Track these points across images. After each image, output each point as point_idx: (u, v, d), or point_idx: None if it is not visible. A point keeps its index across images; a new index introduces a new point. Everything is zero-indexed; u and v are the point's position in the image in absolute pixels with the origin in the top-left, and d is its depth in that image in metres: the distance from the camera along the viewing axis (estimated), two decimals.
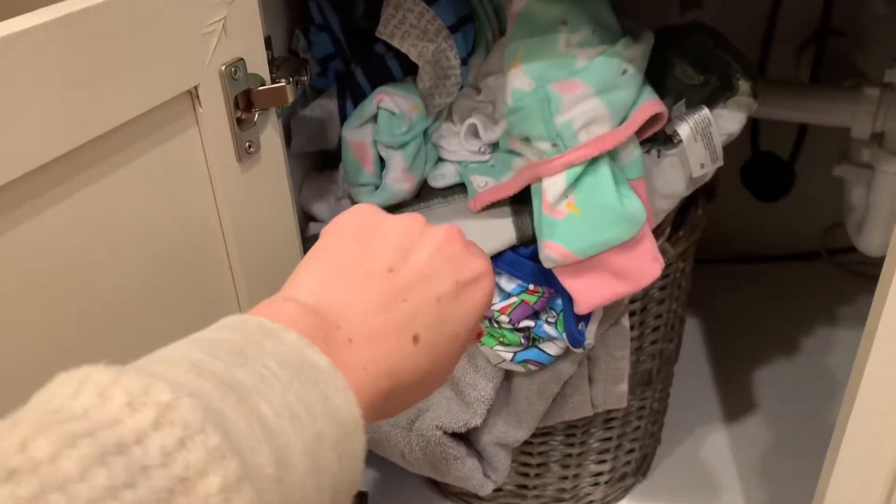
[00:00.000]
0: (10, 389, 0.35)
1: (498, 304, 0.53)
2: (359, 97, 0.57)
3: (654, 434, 0.76)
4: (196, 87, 0.43)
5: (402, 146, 0.55)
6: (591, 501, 0.73)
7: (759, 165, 0.93)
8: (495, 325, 0.53)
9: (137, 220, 0.42)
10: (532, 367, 0.55)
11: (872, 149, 0.70)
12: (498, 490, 0.72)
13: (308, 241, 0.58)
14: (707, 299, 0.99)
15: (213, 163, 0.45)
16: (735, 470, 0.78)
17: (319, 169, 0.63)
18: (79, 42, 0.35)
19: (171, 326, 0.45)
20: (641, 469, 0.76)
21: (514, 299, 0.53)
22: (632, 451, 0.72)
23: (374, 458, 0.80)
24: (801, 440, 0.79)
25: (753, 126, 0.92)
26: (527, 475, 0.70)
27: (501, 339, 0.54)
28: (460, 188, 0.57)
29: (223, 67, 0.44)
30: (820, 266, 1.02)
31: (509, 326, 0.53)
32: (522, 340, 0.54)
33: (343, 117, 0.57)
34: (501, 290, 0.54)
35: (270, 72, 0.47)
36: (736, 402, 0.85)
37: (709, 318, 0.97)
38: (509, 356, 0.54)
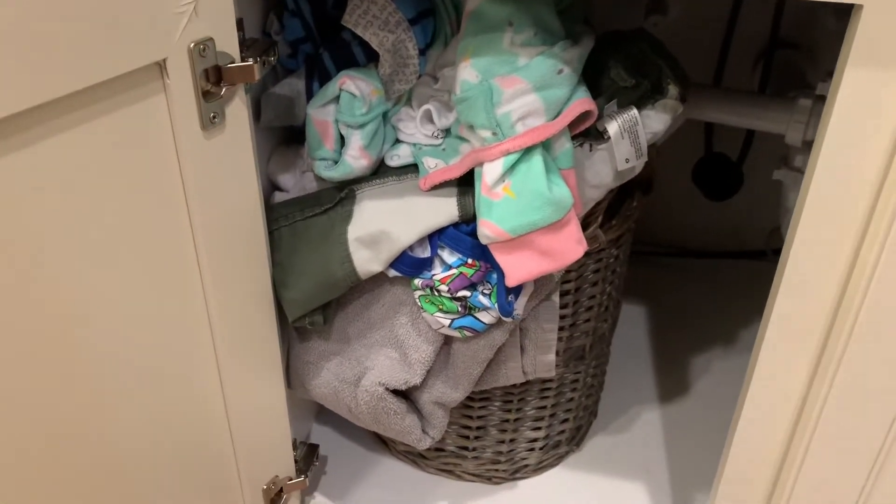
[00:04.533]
0: None
1: (439, 274, 0.58)
2: (325, 79, 0.62)
3: (588, 408, 0.82)
4: (164, 60, 0.47)
5: (360, 126, 0.60)
6: (526, 465, 0.79)
7: (710, 165, 0.98)
8: (436, 293, 0.59)
9: (100, 179, 0.47)
10: (468, 334, 0.60)
11: (804, 155, 0.76)
12: (440, 450, 0.78)
13: (271, 210, 0.63)
14: (654, 291, 1.06)
15: (178, 130, 0.50)
16: (664, 450, 0.84)
17: (287, 143, 0.68)
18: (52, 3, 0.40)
19: (128, 283, 0.50)
20: (575, 440, 0.82)
21: (453, 271, 0.58)
22: (566, 420, 0.78)
23: (325, 414, 0.86)
24: (727, 427, 0.85)
25: (707, 129, 0.97)
26: (467, 437, 0.76)
27: (441, 307, 0.59)
28: (413, 168, 0.62)
29: (192, 45, 0.48)
30: (764, 265, 1.08)
31: (448, 295, 0.59)
32: (459, 309, 0.59)
33: (309, 96, 0.62)
34: (443, 261, 0.59)
35: (241, 51, 0.52)
36: (671, 387, 0.91)
37: (654, 308, 1.03)
38: (447, 322, 0.60)
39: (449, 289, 0.58)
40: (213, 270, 0.55)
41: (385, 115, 0.62)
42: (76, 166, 0.45)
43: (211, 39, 0.49)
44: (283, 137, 0.69)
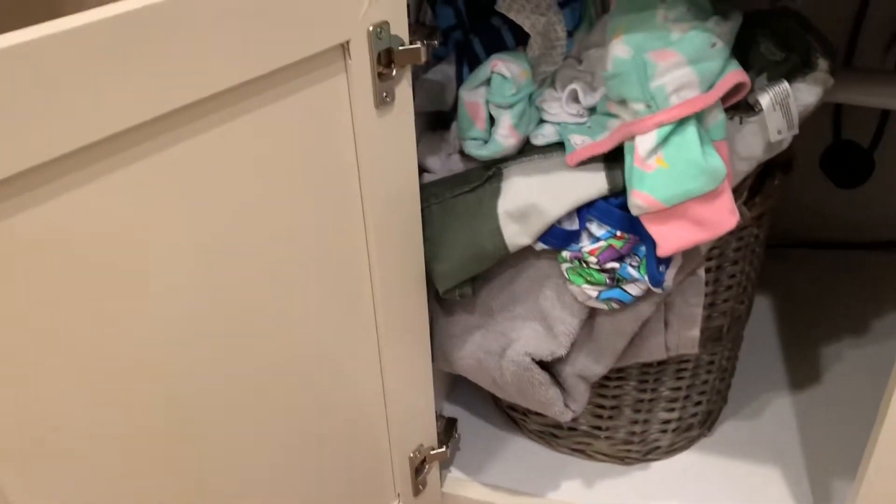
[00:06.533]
0: None
1: (588, 246, 0.60)
2: (474, 63, 0.65)
3: (720, 392, 0.82)
4: (348, 42, 0.52)
5: (510, 106, 0.63)
6: (658, 447, 0.80)
7: (839, 153, 0.97)
8: (584, 265, 0.61)
9: (286, 154, 0.51)
10: (614, 306, 0.62)
11: None
12: (573, 429, 0.79)
13: (422, 189, 0.67)
14: (783, 281, 1.04)
15: (357, 107, 0.54)
16: (798, 438, 0.82)
17: (433, 128, 0.72)
18: None
19: (300, 261, 0.54)
20: (707, 423, 0.82)
21: (602, 243, 0.60)
22: (699, 403, 0.79)
23: (455, 393, 0.89)
24: (864, 416, 0.83)
25: (836, 115, 0.96)
26: (600, 416, 0.77)
27: (589, 279, 0.61)
28: (558, 146, 0.64)
29: (371, 27, 0.53)
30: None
31: (597, 267, 0.60)
32: (608, 280, 0.61)
33: (459, 81, 0.66)
34: (591, 234, 0.61)
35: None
36: (802, 377, 0.90)
37: (784, 299, 1.02)
38: (595, 294, 0.61)
39: (598, 260, 0.60)
40: (379, 246, 0.59)
41: (530, 97, 0.65)
42: (260, 147, 0.49)
43: (387, 23, 0.53)
44: (429, 123, 0.73)
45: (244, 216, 0.49)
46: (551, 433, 0.81)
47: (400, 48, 0.55)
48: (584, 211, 0.61)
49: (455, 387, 0.90)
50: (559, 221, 0.61)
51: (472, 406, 0.88)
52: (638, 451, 0.80)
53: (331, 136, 0.54)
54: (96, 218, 0.41)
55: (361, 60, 0.53)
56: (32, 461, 0.41)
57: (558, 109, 0.64)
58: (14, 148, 0.35)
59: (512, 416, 0.85)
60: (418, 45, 0.56)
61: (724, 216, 0.56)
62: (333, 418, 0.62)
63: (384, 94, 0.55)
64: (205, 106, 0.44)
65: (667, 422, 0.78)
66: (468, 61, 0.66)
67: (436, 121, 0.72)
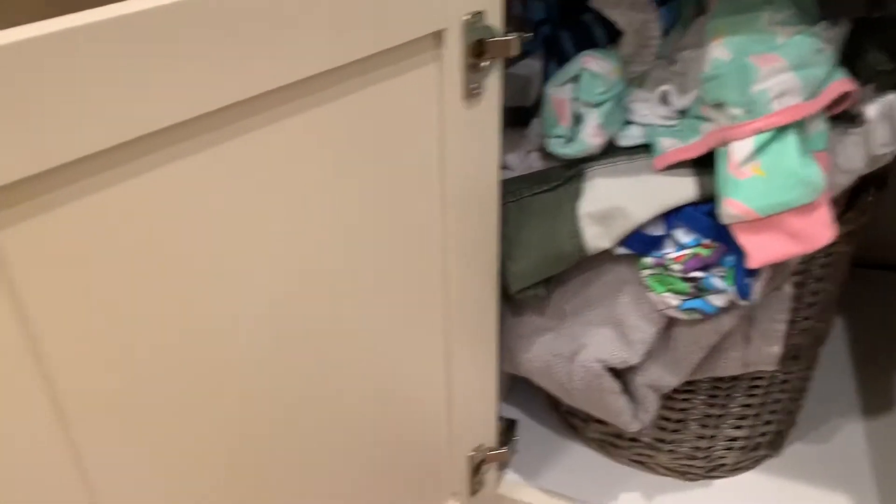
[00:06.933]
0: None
1: (672, 253, 0.58)
2: (562, 60, 0.63)
3: (791, 412, 0.79)
4: (443, 30, 0.51)
5: (598, 105, 0.61)
6: (723, 464, 0.77)
7: None
8: (667, 272, 0.59)
9: (369, 145, 0.50)
10: (696, 316, 0.60)
11: None
12: (634, 440, 0.77)
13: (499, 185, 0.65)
14: (862, 304, 1.00)
15: (446, 97, 0.53)
16: (869, 466, 0.79)
17: (513, 124, 0.71)
18: None
19: (375, 255, 0.53)
20: (774, 444, 0.79)
21: (688, 251, 0.58)
22: (769, 423, 0.76)
23: (513, 397, 0.88)
24: None
25: None
26: (664, 429, 0.75)
27: (671, 287, 0.59)
28: (643, 149, 0.62)
29: (466, 16, 0.51)
30: None
31: (681, 275, 0.58)
32: (691, 290, 0.59)
33: (545, 77, 0.64)
34: (676, 241, 0.59)
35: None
36: (876, 403, 0.86)
37: (861, 322, 0.98)
38: (676, 303, 0.60)
39: (683, 268, 0.58)
40: (457, 243, 0.58)
41: (619, 96, 0.63)
42: (343, 137, 0.48)
43: (482, 12, 0.52)
44: (509, 119, 0.71)
45: (320, 206, 0.48)
46: (611, 442, 0.79)
47: (493, 39, 0.54)
48: (671, 217, 0.59)
49: (513, 389, 0.89)
50: (643, 226, 0.59)
51: (529, 409, 0.87)
52: (701, 467, 0.77)
53: (415, 127, 0.53)
54: (179, 195, 0.41)
55: (454, 50, 0.52)
56: (110, 424, 0.41)
57: (647, 111, 0.63)
58: (129, 115, 0.35)
59: (571, 423, 0.83)
60: (512, 36, 0.54)
61: (819, 230, 0.54)
62: (395, 413, 0.61)
63: (473, 86, 0.54)
64: (291, 91, 0.44)
65: (733, 439, 0.76)
66: (556, 57, 0.64)
67: (516, 117, 0.71)
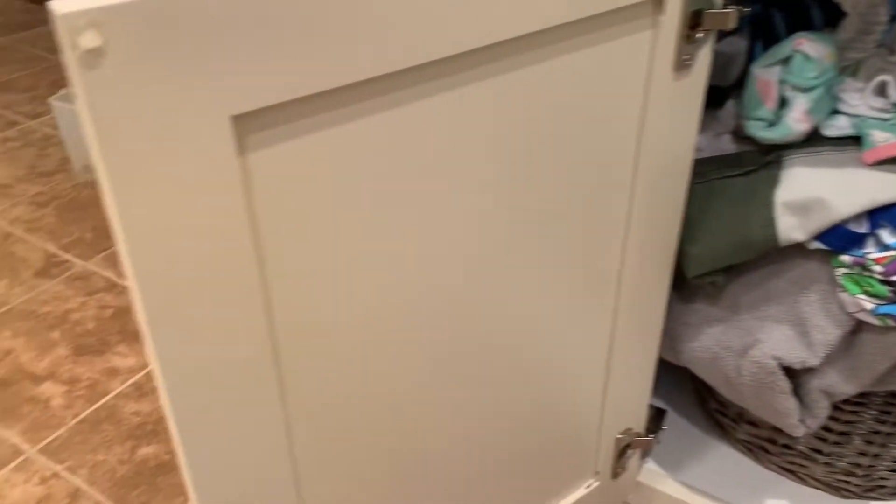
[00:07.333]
0: None
1: (874, 253, 0.55)
2: (771, 40, 0.60)
3: None
4: None
5: (808, 90, 0.58)
6: (883, 486, 0.73)
7: None
8: (866, 273, 0.55)
9: (572, 108, 0.49)
10: (891, 323, 0.56)
11: None
12: (787, 447, 0.74)
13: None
14: None
15: (656, 65, 0.51)
16: None
17: (707, 104, 0.68)
18: None
19: (564, 211, 0.53)
20: None
21: (892, 252, 0.54)
22: None
23: (665, 386, 0.86)
24: None
25: None
26: (825, 440, 0.71)
27: (868, 289, 0.56)
28: (850, 140, 0.59)
29: None
30: None
31: (881, 278, 0.55)
32: (889, 294, 0.55)
33: (750, 57, 0.62)
34: (879, 241, 0.55)
35: None
36: None
37: None
38: (870, 307, 0.56)
39: (885, 271, 0.54)
40: (640, 219, 0.57)
41: (830, 83, 0.60)
42: (547, 96, 0.47)
43: None
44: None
45: (516, 166, 0.48)
46: (761, 446, 0.76)
47: (711, 11, 0.52)
48: (877, 215, 0.55)
49: (659, 380, 0.87)
50: (845, 222, 0.56)
51: (675, 402, 0.85)
52: (858, 485, 0.73)
53: (620, 95, 0.52)
54: (411, 136, 0.41)
55: (672, 18, 0.50)
56: (308, 342, 0.43)
57: (859, 101, 0.59)
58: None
59: (719, 421, 0.80)
60: (731, 9, 0.52)
61: None
62: (551, 389, 0.61)
63: (686, 57, 0.52)
64: (512, 46, 0.44)
65: None
66: (764, 37, 0.61)
67: (709, 96, 0.68)
